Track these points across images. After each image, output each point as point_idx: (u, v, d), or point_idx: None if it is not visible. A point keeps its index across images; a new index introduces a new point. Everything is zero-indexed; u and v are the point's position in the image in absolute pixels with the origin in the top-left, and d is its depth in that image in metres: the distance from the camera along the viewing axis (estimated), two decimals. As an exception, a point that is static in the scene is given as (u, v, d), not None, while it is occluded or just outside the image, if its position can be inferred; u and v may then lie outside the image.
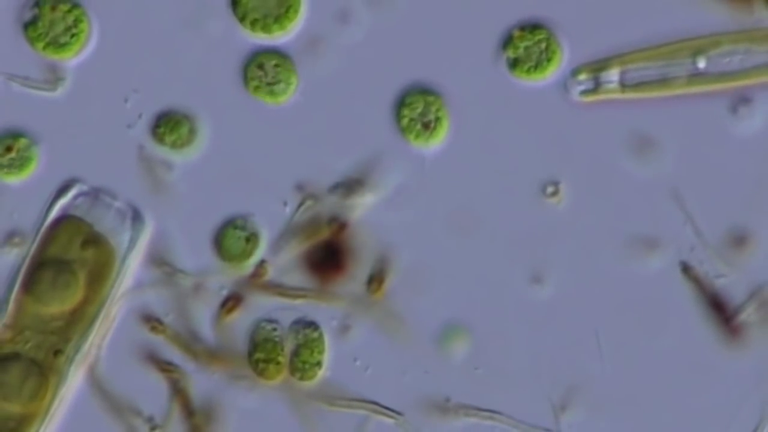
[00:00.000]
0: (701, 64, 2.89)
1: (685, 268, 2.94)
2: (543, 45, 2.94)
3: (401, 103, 2.95)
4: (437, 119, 2.93)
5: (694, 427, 2.95)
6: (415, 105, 2.93)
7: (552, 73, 2.95)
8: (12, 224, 2.95)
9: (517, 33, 2.93)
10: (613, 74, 2.93)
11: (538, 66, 2.94)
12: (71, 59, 2.94)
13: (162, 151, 2.96)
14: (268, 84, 2.95)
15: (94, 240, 2.90)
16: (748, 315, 2.95)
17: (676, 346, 2.96)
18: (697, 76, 2.93)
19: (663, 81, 2.93)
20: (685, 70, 2.93)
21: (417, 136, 2.93)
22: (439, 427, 2.96)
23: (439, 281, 2.96)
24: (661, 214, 2.95)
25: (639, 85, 2.93)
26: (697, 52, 2.91)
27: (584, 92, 2.93)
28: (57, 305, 2.89)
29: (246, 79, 2.95)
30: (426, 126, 2.86)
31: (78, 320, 2.90)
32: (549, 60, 2.95)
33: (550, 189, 2.95)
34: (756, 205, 2.96)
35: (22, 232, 2.94)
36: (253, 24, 2.93)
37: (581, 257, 2.96)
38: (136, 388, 2.96)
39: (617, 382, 2.96)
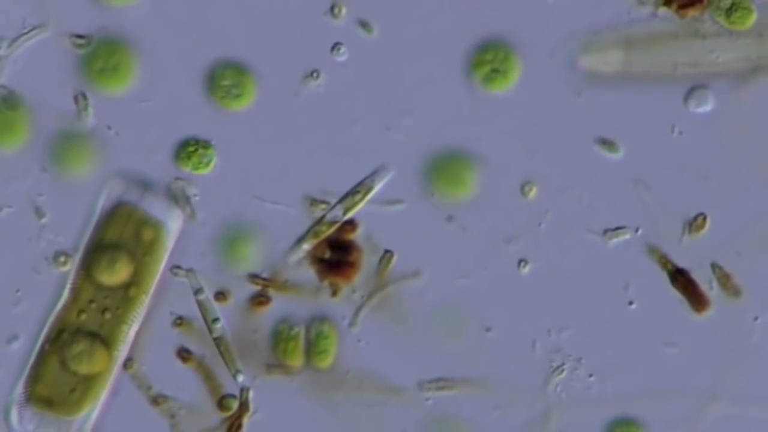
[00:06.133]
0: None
1: (651, 250, 3.04)
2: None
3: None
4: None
5: (667, 384, 3.07)
6: None
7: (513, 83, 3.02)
8: (56, 246, 3.03)
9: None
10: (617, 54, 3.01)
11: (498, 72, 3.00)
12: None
13: (184, 175, 3.04)
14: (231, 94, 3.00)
15: (144, 223, 2.98)
16: (709, 288, 3.06)
17: (646, 314, 3.07)
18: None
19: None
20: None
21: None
22: (441, 399, 3.07)
23: (436, 272, 3.06)
24: (626, 200, 3.06)
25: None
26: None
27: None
28: (113, 283, 2.97)
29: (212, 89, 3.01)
30: None
31: (132, 295, 2.98)
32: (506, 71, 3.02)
33: (526, 188, 3.06)
34: (708, 190, 3.06)
35: (67, 253, 3.02)
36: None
37: (558, 241, 3.07)
38: (172, 382, 3.07)
39: (598, 348, 3.07)
